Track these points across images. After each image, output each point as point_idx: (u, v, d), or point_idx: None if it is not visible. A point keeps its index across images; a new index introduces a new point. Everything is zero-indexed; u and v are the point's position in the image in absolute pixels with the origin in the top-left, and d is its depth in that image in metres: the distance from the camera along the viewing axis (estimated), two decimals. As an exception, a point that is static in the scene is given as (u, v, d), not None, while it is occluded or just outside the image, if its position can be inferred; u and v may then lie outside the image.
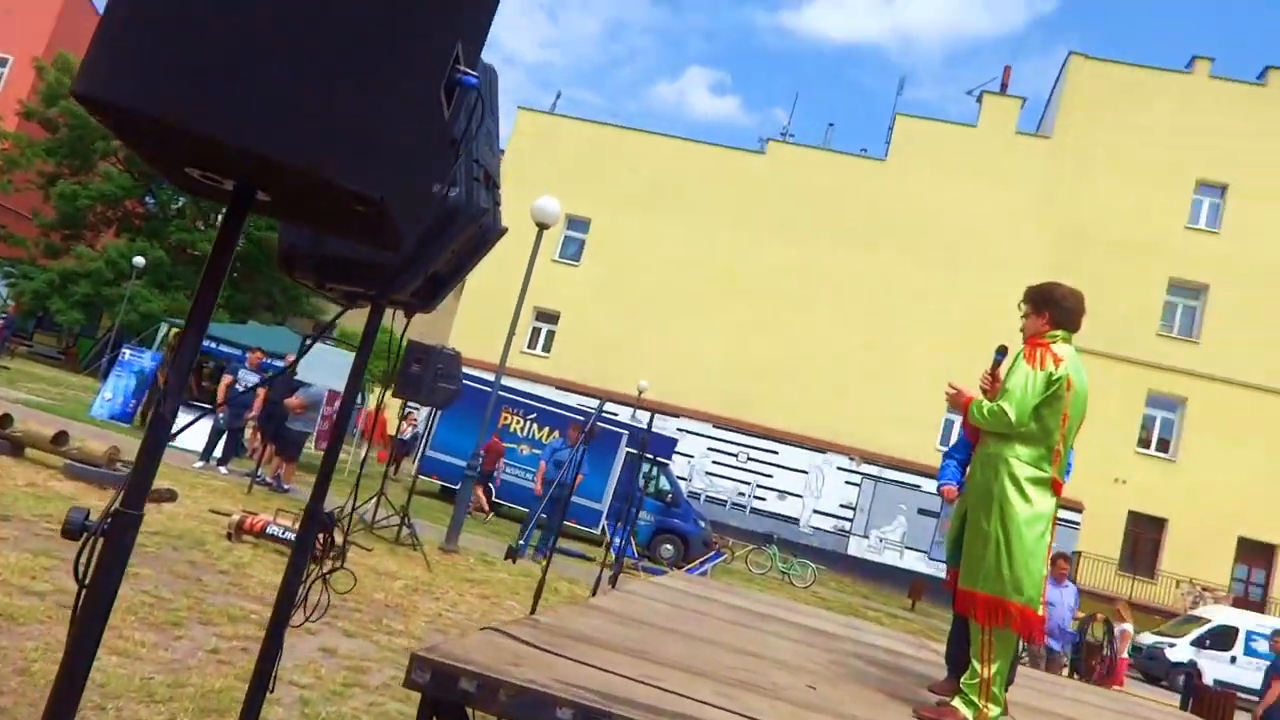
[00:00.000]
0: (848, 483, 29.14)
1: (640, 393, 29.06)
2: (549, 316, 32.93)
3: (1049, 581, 4.32)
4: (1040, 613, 3.71)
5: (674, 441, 20.43)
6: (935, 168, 30.67)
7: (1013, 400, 3.64)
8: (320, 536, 2.86)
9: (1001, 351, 4.48)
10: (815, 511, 29.15)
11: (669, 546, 18.40)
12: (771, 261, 30.97)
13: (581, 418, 18.67)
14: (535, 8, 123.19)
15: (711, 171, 32.18)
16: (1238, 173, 29.28)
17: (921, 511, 28.27)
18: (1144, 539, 27.90)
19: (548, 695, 2.45)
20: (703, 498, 28.72)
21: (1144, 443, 28.66)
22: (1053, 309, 3.93)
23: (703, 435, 29.80)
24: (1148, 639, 21.83)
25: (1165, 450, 28.58)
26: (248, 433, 14.03)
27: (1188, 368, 28.09)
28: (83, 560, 1.58)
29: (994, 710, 3.59)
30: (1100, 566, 27.00)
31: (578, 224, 33.09)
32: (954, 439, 5.09)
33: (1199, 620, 22.24)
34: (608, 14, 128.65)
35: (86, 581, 1.54)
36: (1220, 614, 22.49)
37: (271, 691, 2.96)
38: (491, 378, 14.57)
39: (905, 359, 29.16)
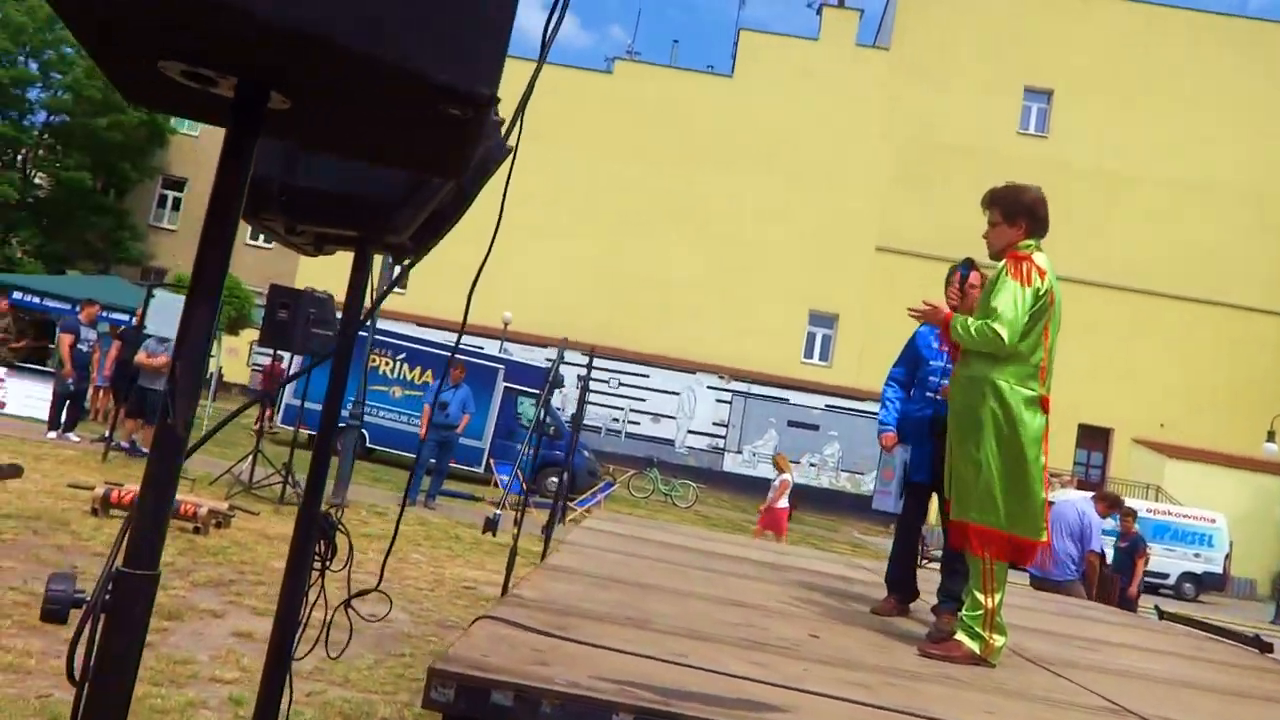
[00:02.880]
0: (719, 401, 29.51)
1: (506, 325, 28.40)
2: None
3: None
4: (1043, 538, 3.60)
5: (548, 371, 19.99)
6: (781, 82, 30.71)
7: (1003, 320, 3.44)
8: (320, 545, 2.37)
9: (967, 265, 4.28)
10: (690, 432, 29.47)
11: (554, 479, 18.11)
12: (626, 184, 30.50)
13: (450, 355, 18.00)
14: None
15: (559, 93, 31.14)
16: (1060, 77, 30.67)
17: (791, 424, 29.00)
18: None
19: (601, 702, 2.09)
20: (564, 422, 28.54)
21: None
22: (1028, 218, 3.72)
23: (572, 364, 29.43)
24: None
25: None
26: (89, 394, 12.75)
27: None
28: (80, 649, 1.10)
29: (999, 640, 3.47)
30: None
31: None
32: (893, 369, 4.87)
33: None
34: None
35: (91, 677, 1.06)
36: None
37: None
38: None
39: (764, 274, 29.48)
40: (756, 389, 29.37)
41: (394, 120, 1.08)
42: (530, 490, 17.00)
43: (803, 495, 27.41)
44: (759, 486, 28.12)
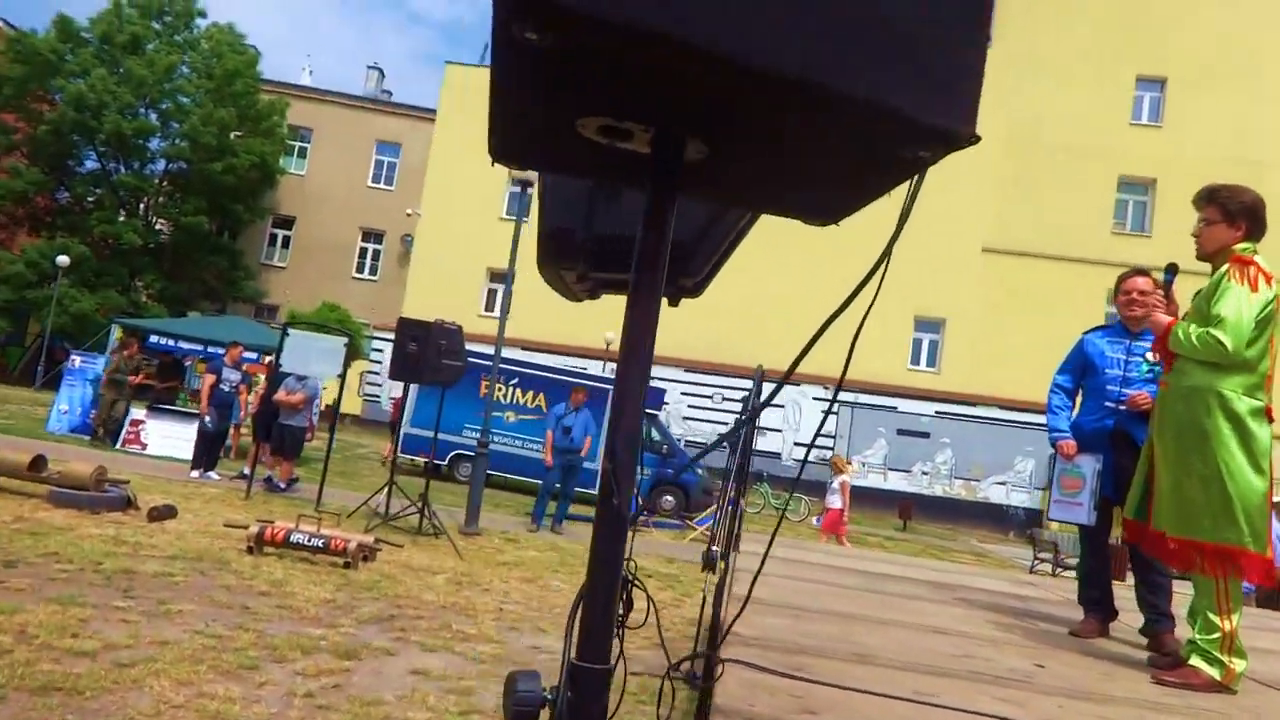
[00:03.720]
0: (824, 412, 28.97)
1: (608, 345, 28.53)
2: (502, 276, 32.03)
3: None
4: (1269, 554, 3.35)
5: (663, 392, 20.00)
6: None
7: (1228, 328, 3.23)
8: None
9: (1172, 270, 4.04)
10: (796, 444, 29.07)
11: (669, 498, 18.08)
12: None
13: (571, 379, 18.15)
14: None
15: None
16: (1174, 66, 29.39)
17: (900, 432, 28.35)
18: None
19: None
20: (682, 442, 28.44)
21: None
22: (1248, 218, 3.50)
23: (675, 380, 29.41)
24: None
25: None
26: (230, 433, 13.23)
27: (1146, 261, 28.31)
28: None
29: (1240, 665, 3.24)
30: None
31: (521, 180, 32.02)
32: (1058, 376, 4.63)
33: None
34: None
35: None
36: None
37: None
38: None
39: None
40: (864, 398, 28.82)
41: (837, 163, 1.00)
42: (647, 509, 17.03)
43: (918, 503, 26.76)
44: (868, 495, 27.58)
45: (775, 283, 29.71)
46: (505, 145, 1.14)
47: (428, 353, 9.72)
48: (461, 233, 31.55)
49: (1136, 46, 29.45)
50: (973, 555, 20.34)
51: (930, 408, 28.41)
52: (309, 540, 7.83)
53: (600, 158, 1.05)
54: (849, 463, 15.61)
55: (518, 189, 34.35)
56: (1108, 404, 4.33)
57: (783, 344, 28.94)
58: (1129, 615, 4.30)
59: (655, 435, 18.62)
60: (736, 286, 29.75)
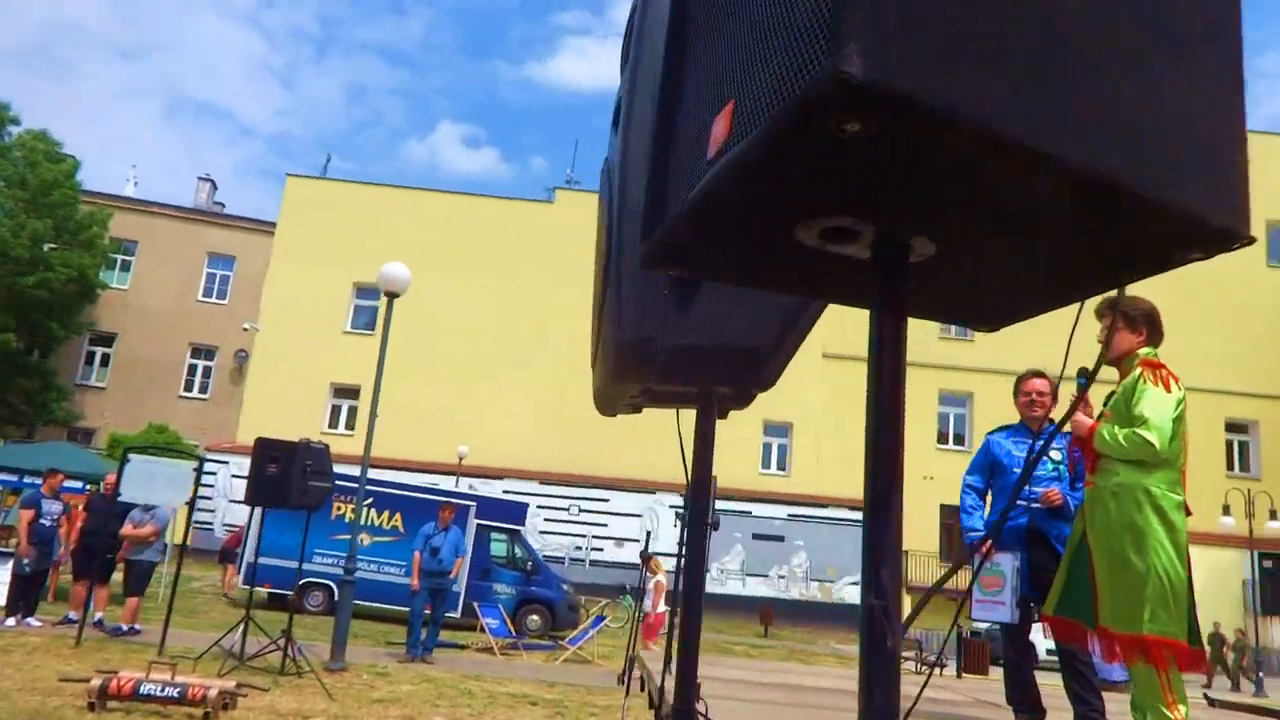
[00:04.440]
0: (682, 519, 29.10)
1: (460, 459, 27.83)
2: (349, 392, 30.95)
3: None
4: (1200, 647, 3.48)
5: (525, 508, 19.54)
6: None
7: (1152, 427, 3.42)
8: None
9: (1084, 375, 4.24)
10: (655, 554, 28.89)
11: (535, 617, 17.47)
12: (575, 310, 30.69)
13: (432, 496, 17.46)
14: (267, 75, 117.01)
15: (503, 225, 31.59)
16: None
17: (756, 536, 28.70)
18: (955, 528, 29.74)
19: None
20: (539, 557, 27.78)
21: (942, 438, 30.72)
22: (1149, 325, 3.75)
23: (530, 494, 28.90)
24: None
25: (961, 443, 30.74)
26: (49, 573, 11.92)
27: (970, 365, 30.42)
28: None
29: (1190, 751, 3.30)
30: (924, 561, 28.50)
31: (367, 292, 31.36)
32: (968, 477, 4.79)
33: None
34: (345, 79, 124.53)
35: None
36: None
37: None
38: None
39: (715, 389, 29.64)
40: (720, 504, 29.11)
41: (1085, 265, 0.93)
42: (517, 630, 16.38)
43: (777, 607, 26.95)
44: (728, 602, 27.61)
45: (628, 392, 29.97)
46: (681, 251, 1.03)
47: (292, 474, 9.13)
48: (302, 347, 30.42)
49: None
50: (835, 658, 20.55)
51: (783, 510, 28.99)
52: (162, 691, 7.02)
53: (806, 265, 0.96)
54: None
55: (365, 301, 33.65)
56: (1020, 502, 4.46)
57: (640, 453, 29.12)
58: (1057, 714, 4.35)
59: (519, 552, 18.10)
60: (582, 399, 29.91)
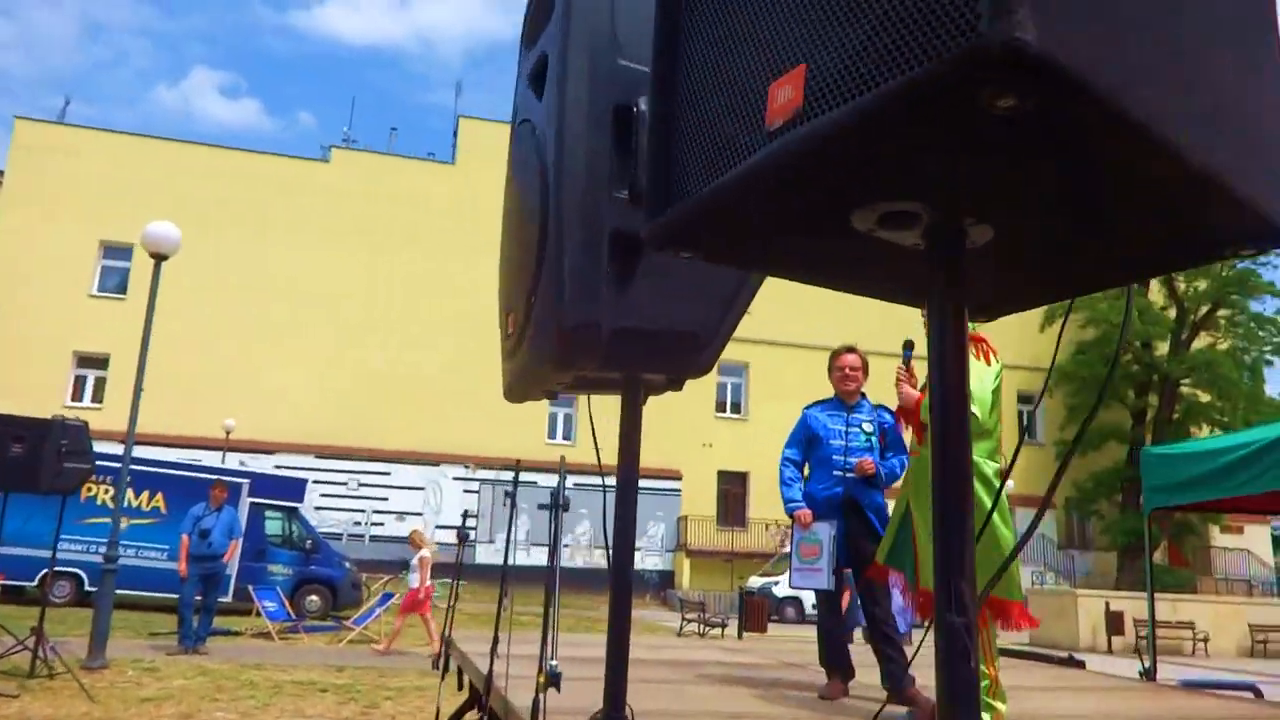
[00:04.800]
0: (466, 491, 28.74)
1: (228, 433, 26.04)
2: (95, 362, 28.06)
3: None
4: (1024, 600, 3.77)
5: (304, 483, 18.54)
6: (503, 169, 31.04)
7: (975, 400, 3.61)
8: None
9: (909, 346, 4.47)
10: (439, 527, 28.36)
11: (315, 598, 16.67)
12: (354, 276, 29.34)
13: (199, 474, 16.17)
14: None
15: (273, 184, 29.53)
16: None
17: (541, 506, 28.69)
18: (732, 494, 31.15)
19: None
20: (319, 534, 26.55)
21: (720, 407, 31.99)
22: None
23: (306, 469, 27.50)
24: (756, 581, 24.33)
25: (738, 411, 32.15)
26: None
27: (746, 336, 31.75)
28: None
29: (1003, 707, 3.58)
30: (703, 525, 29.65)
31: (117, 252, 28.48)
32: (787, 450, 4.96)
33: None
34: (78, 11, 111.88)
35: None
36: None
37: None
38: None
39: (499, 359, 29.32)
40: (505, 475, 28.94)
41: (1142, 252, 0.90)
42: (298, 613, 15.56)
43: (562, 576, 27.13)
44: (514, 574, 27.53)
45: (411, 361, 29.11)
46: (698, 232, 0.92)
47: (44, 454, 8.15)
48: (38, 311, 27.24)
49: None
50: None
51: (569, 480, 29.13)
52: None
53: (853, 253, 0.88)
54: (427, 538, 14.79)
55: (114, 262, 30.59)
56: (835, 473, 4.65)
57: (421, 424, 28.43)
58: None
59: (297, 530, 17.19)
60: (372, 368, 28.81)
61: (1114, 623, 18.44)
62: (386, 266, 29.61)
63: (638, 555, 30.31)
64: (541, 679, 2.92)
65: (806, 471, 4.89)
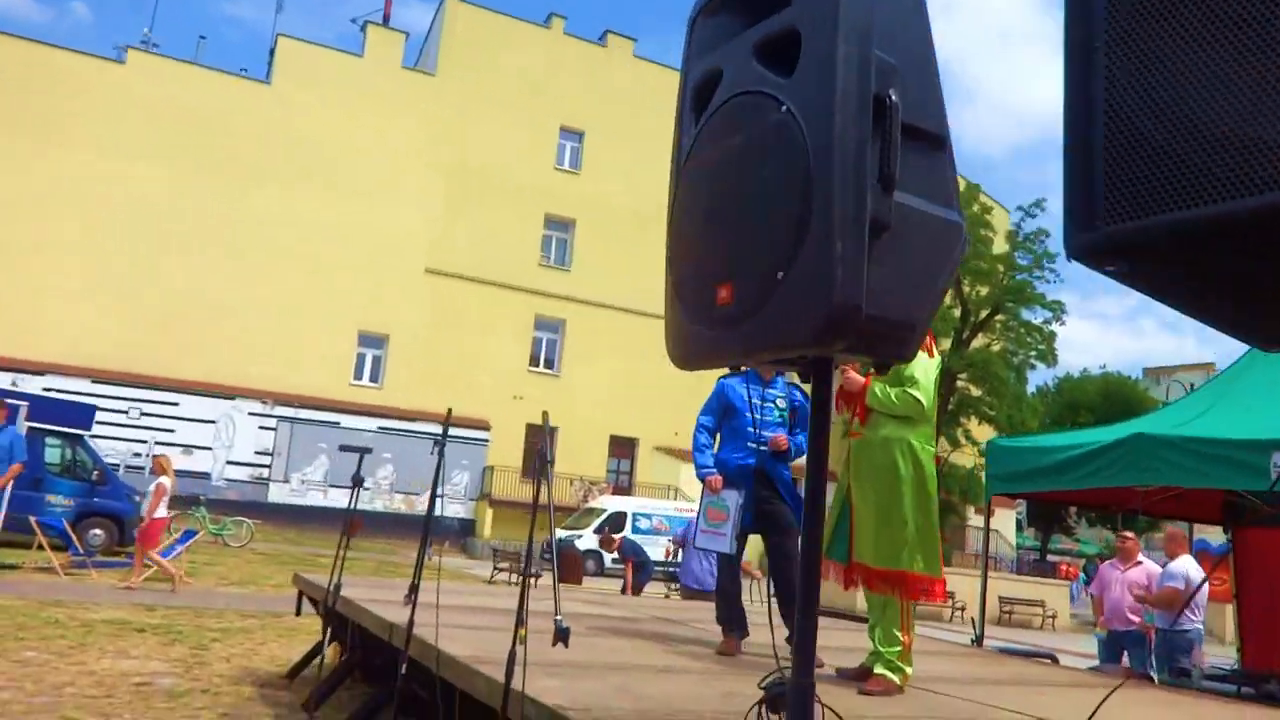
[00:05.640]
0: (262, 428, 27.31)
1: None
2: None
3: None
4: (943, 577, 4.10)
5: (92, 410, 17.04)
6: (325, 96, 29.37)
7: (921, 388, 3.91)
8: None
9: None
10: (229, 463, 26.83)
11: (99, 532, 15.45)
12: (150, 192, 26.86)
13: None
14: None
15: (54, 81, 26.33)
16: (590, 120, 33.37)
17: (343, 448, 27.72)
18: (536, 447, 31.23)
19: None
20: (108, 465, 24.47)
21: (534, 361, 31.94)
22: None
23: (80, 393, 25.19)
24: (560, 534, 24.69)
25: (551, 367, 32.23)
26: None
27: (565, 293, 31.84)
28: None
29: (911, 670, 3.94)
30: (508, 476, 29.67)
31: None
32: (702, 417, 5.15)
33: (595, 511, 25.80)
34: None
35: None
36: (609, 503, 26.43)
37: None
38: None
39: (310, 293, 27.97)
40: (304, 414, 27.73)
41: None
42: (88, 549, 14.35)
43: (364, 523, 26.42)
44: (308, 514, 26.61)
45: (202, 285, 27.19)
46: (1142, 253, 0.96)
47: None
48: None
49: (559, 100, 32.78)
50: (429, 569, 20.78)
51: (373, 423, 28.39)
52: None
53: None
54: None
55: None
56: (749, 444, 4.87)
57: (208, 350, 26.81)
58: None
59: (83, 458, 15.84)
60: (165, 292, 26.57)
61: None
62: (188, 184, 27.33)
63: (440, 502, 30.14)
64: (523, 633, 2.96)
65: (718, 441, 5.09)
